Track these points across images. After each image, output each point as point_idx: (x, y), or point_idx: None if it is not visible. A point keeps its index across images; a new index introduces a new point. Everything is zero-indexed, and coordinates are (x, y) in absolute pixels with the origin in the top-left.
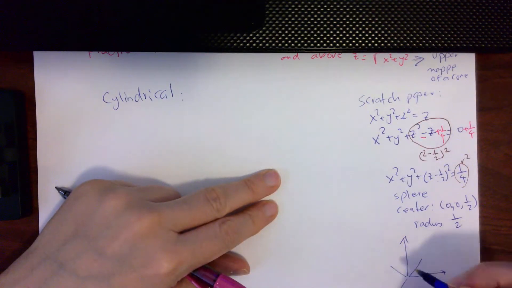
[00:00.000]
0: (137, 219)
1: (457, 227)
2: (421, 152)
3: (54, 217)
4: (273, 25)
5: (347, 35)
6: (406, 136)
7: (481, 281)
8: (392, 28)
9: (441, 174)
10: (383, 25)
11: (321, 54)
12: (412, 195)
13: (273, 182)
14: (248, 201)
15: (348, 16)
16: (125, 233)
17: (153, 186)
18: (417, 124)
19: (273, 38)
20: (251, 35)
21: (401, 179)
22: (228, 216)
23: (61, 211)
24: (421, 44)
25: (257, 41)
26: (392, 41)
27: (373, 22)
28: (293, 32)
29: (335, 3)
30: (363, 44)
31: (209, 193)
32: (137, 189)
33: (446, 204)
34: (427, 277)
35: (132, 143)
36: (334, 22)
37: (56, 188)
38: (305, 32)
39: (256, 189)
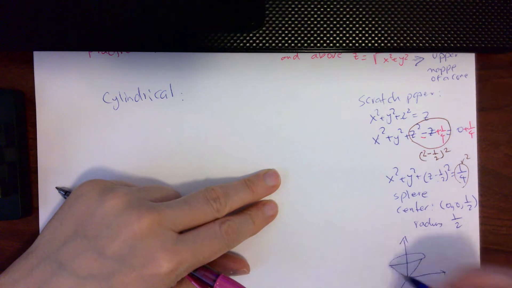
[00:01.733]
0: (137, 218)
1: (457, 227)
2: (421, 152)
3: (54, 217)
4: (273, 25)
5: (347, 35)
6: (406, 136)
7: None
8: (392, 28)
9: (441, 174)
10: (383, 25)
11: (321, 54)
12: (412, 195)
13: (273, 182)
14: (248, 201)
15: (348, 16)
16: (125, 233)
17: (153, 186)
18: (417, 124)
19: (273, 38)
20: (251, 35)
21: (401, 179)
22: (228, 216)
23: (61, 211)
24: (421, 44)
25: (257, 41)
26: (392, 41)
27: (373, 22)
28: (293, 32)
29: (335, 3)
30: (363, 44)
31: (209, 193)
32: (137, 189)
33: (446, 204)
34: (413, 281)
35: (132, 143)
36: (334, 22)
37: (56, 188)
38: (305, 32)
39: (256, 189)
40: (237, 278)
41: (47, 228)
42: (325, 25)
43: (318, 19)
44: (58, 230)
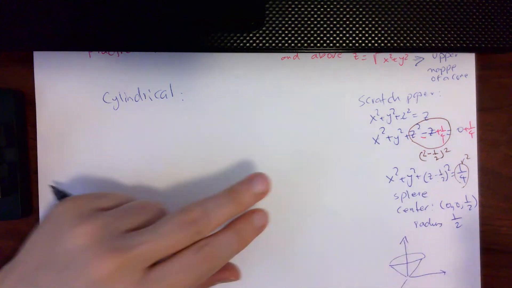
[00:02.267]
0: (103, 260)
1: (457, 227)
2: (421, 152)
3: (34, 234)
4: (273, 25)
5: (347, 35)
6: (406, 136)
7: None
8: (392, 28)
9: (441, 174)
10: (383, 25)
11: (321, 54)
12: (412, 195)
13: (261, 188)
14: (234, 215)
15: (348, 16)
16: (88, 274)
17: (136, 207)
18: (417, 124)
19: (273, 38)
20: (251, 35)
21: (401, 179)
22: (209, 236)
23: (38, 229)
24: (421, 44)
25: (257, 41)
26: (392, 41)
27: (373, 22)
28: (293, 32)
29: (335, 3)
30: (363, 44)
31: (186, 215)
32: (114, 216)
33: (446, 204)
34: None
35: (132, 143)
36: (334, 22)
37: (50, 186)
38: (305, 32)
39: (242, 200)
40: (232, 284)
41: (26, 244)
42: (325, 25)
43: (318, 19)
44: (31, 252)
